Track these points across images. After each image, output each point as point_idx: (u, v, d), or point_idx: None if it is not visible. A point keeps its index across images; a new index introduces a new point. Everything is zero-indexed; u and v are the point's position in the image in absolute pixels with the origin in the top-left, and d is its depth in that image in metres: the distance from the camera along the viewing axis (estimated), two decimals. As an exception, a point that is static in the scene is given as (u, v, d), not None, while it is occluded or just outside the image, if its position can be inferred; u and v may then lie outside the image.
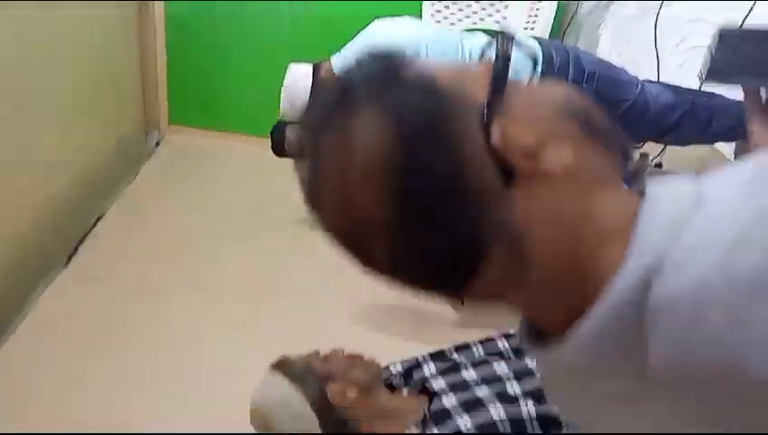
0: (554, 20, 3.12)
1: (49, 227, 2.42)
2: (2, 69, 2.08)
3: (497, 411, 1.16)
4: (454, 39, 1.80)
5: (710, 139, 2.05)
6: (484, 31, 2.10)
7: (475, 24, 3.16)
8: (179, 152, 3.45)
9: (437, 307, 2.34)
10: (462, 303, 0.53)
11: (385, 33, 1.85)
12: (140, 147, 3.47)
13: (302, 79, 1.99)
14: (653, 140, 2.07)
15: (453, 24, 3.14)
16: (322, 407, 1.20)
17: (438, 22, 3.17)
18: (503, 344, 1.32)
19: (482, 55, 0.62)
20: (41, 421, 1.65)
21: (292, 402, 1.19)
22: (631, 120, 1.84)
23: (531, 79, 1.70)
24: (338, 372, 1.23)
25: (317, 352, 1.30)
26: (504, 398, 1.19)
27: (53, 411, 1.70)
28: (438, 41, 1.76)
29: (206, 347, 1.97)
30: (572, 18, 3.15)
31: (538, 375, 1.19)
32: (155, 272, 2.34)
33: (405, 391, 1.32)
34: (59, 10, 2.46)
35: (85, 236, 2.55)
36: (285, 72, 2.14)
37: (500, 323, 1.38)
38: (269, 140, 2.65)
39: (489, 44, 0.59)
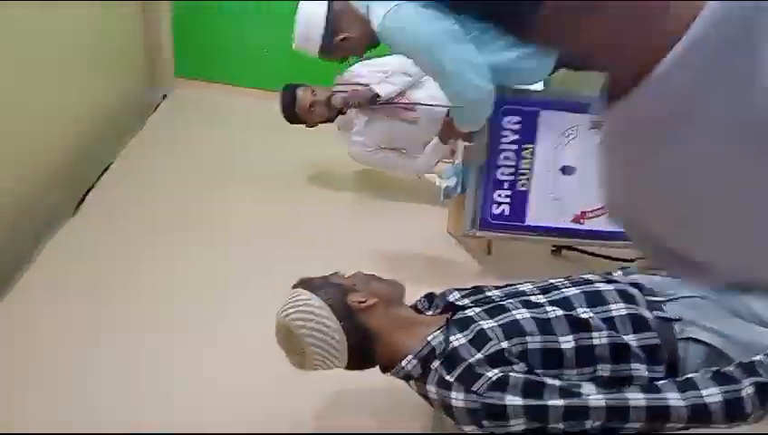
0: None
1: (56, 177, 2.40)
2: (6, 24, 2.04)
3: (520, 313, 1.17)
4: None
5: None
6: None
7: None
8: (185, 105, 3.40)
9: (457, 256, 2.34)
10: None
11: None
12: (146, 99, 3.43)
13: (315, 14, 1.96)
14: None
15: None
16: (344, 314, 1.23)
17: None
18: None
19: None
20: (44, 366, 1.65)
21: (314, 312, 1.23)
22: None
23: None
24: (359, 283, 1.29)
25: (337, 272, 1.34)
26: (529, 305, 1.20)
27: (59, 355, 1.70)
28: None
29: (216, 290, 1.96)
30: None
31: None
32: (161, 220, 2.32)
33: (429, 313, 1.34)
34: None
35: (93, 185, 2.53)
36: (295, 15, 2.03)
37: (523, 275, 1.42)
38: (277, 101, 2.62)
39: None
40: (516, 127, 1.94)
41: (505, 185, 1.96)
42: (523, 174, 1.96)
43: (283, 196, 2.63)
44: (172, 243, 2.21)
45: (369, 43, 1.98)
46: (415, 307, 1.36)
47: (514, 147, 1.95)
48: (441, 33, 1.66)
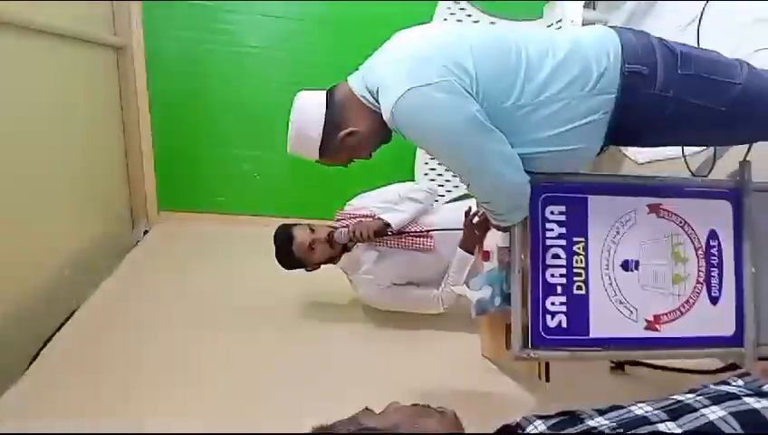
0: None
1: (8, 331, 2.01)
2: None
3: None
4: (505, 37, 1.45)
5: None
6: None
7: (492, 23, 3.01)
8: (169, 238, 3.07)
9: (501, 385, 1.92)
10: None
11: (418, 36, 1.46)
12: (127, 237, 3.11)
13: (313, 106, 1.55)
14: (761, 138, 1.65)
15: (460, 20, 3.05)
16: None
17: (446, 19, 3.05)
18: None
19: None
20: None
21: None
22: (744, 111, 1.46)
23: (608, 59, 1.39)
24: (404, 422, 0.91)
25: (366, 409, 0.96)
26: None
27: None
28: (485, 40, 1.43)
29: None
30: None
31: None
32: (133, 361, 1.93)
33: None
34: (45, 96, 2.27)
35: (51, 336, 2.12)
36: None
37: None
38: (273, 242, 2.29)
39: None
40: (561, 218, 1.59)
41: (558, 289, 1.57)
42: (578, 274, 1.59)
43: (284, 334, 2.23)
44: (151, 399, 1.77)
45: (380, 139, 1.59)
46: None
47: (563, 242, 1.59)
48: (465, 118, 1.35)
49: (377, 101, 1.46)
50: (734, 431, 0.78)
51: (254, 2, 3.15)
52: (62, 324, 2.18)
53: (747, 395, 0.84)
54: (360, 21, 3.09)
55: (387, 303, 2.32)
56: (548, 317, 1.57)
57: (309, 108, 1.55)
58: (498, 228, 1.63)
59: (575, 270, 1.59)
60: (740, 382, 1.03)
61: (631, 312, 1.61)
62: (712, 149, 2.43)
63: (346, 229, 2.23)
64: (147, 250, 2.92)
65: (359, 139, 1.54)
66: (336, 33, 3.17)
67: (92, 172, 2.78)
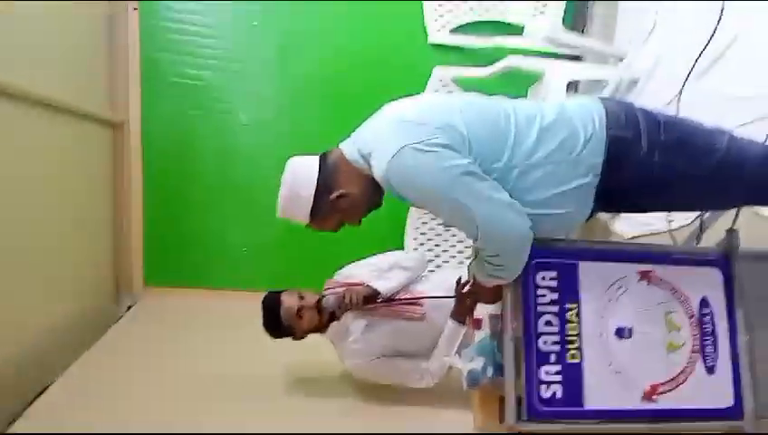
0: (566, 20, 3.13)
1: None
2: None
3: None
4: (494, 103, 1.50)
5: None
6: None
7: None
8: (153, 313, 3.01)
9: None
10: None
11: (410, 103, 1.48)
12: (111, 312, 3.04)
13: (306, 168, 1.57)
14: (752, 204, 1.67)
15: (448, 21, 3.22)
16: None
17: (436, 20, 3.28)
18: None
19: None
20: None
21: None
22: (726, 176, 1.49)
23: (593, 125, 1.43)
24: None
25: None
26: None
27: None
28: (475, 106, 1.47)
29: None
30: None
31: None
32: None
33: None
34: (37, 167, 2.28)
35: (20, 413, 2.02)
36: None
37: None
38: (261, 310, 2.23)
39: None
40: (553, 284, 1.58)
41: (552, 358, 1.53)
42: (572, 342, 1.55)
43: (268, 409, 2.14)
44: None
45: (371, 203, 1.60)
46: None
47: (555, 308, 1.56)
48: (462, 169, 1.35)
49: (369, 165, 1.47)
50: None
51: (246, 81, 3.25)
52: (36, 398, 2.08)
53: None
54: (353, 97, 3.19)
55: (375, 375, 2.24)
56: (542, 387, 1.52)
57: (301, 170, 1.57)
58: (490, 297, 1.61)
59: (568, 338, 1.55)
60: None
61: (627, 382, 1.56)
62: (698, 222, 2.46)
63: (334, 296, 2.19)
64: (129, 325, 2.85)
65: (350, 202, 1.55)
66: (328, 109, 3.26)
67: (79, 245, 2.76)
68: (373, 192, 1.53)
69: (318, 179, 1.54)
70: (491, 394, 1.78)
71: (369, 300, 2.20)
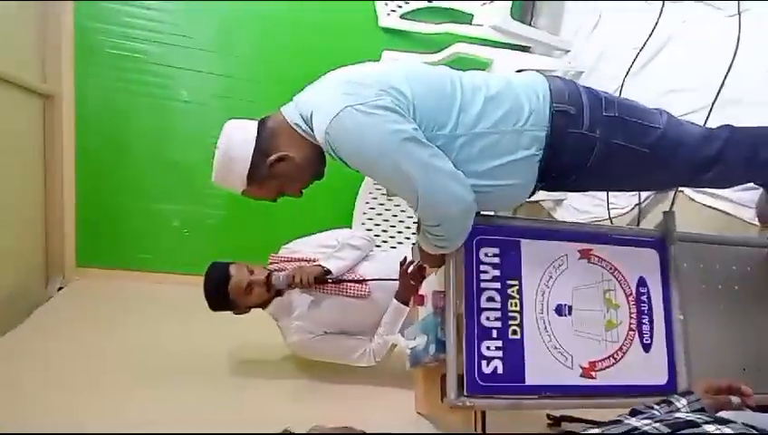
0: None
1: None
2: None
3: None
4: (440, 69, 1.48)
5: (758, 173, 1.70)
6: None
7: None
8: (82, 296, 2.86)
9: None
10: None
11: (353, 67, 1.44)
12: (39, 293, 2.87)
13: (243, 130, 1.46)
14: (690, 184, 1.71)
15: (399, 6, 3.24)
16: None
17: (386, 4, 3.27)
18: None
19: None
20: None
21: None
22: (665, 154, 1.52)
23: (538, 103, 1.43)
24: None
25: (286, 431, 0.91)
26: None
27: None
28: (421, 70, 1.43)
29: None
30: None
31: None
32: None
33: None
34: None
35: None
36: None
37: None
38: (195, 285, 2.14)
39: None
40: (496, 260, 1.58)
41: (494, 333, 1.53)
42: (513, 318, 1.56)
43: (206, 393, 2.06)
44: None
45: (312, 171, 1.51)
46: None
47: (497, 284, 1.56)
48: (405, 135, 1.32)
49: (311, 129, 1.42)
50: None
51: (187, 57, 3.14)
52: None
53: (707, 422, 0.80)
54: (299, 79, 3.12)
55: (317, 352, 2.20)
56: (483, 363, 1.52)
57: (237, 133, 1.48)
58: (434, 262, 1.59)
59: (510, 314, 1.56)
60: (683, 401, 1.01)
61: (566, 358, 1.58)
62: (636, 210, 2.53)
63: (285, 274, 2.13)
64: (57, 307, 2.70)
65: (290, 167, 1.46)
66: (273, 90, 3.18)
67: (6, 222, 2.59)
68: (315, 159, 1.47)
69: (256, 141, 1.45)
70: (433, 376, 1.77)
71: (320, 279, 2.16)
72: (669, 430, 0.79)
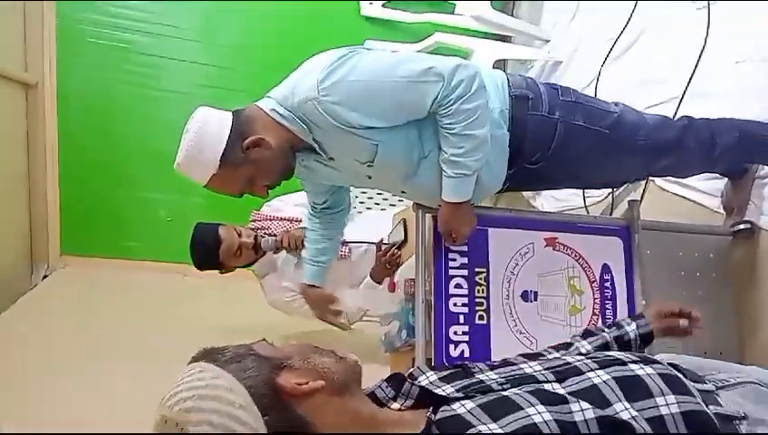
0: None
1: None
2: None
3: (537, 411, 0.76)
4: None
5: (715, 162, 1.73)
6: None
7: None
8: (67, 284, 2.90)
9: None
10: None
11: (333, 52, 1.36)
12: (24, 281, 2.91)
13: (217, 117, 1.38)
14: (651, 171, 1.74)
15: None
16: (271, 401, 0.76)
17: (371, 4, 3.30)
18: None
19: None
20: None
21: (220, 398, 0.74)
22: (625, 133, 1.56)
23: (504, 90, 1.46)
24: (296, 357, 0.83)
25: (264, 341, 0.87)
26: (544, 397, 0.79)
27: None
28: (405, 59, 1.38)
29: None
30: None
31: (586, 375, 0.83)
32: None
33: (395, 405, 0.87)
34: None
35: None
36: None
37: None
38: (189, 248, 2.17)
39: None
40: (463, 249, 1.63)
41: (461, 319, 1.59)
42: (480, 304, 1.62)
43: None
44: None
45: (285, 163, 1.42)
46: (374, 396, 0.88)
47: (465, 272, 1.62)
48: (400, 58, 1.33)
49: (290, 110, 1.37)
50: (612, 393, 0.80)
51: (171, 46, 3.16)
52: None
53: (633, 362, 0.86)
54: (282, 67, 3.15)
55: (296, 310, 2.26)
56: (451, 347, 1.58)
57: (212, 116, 1.40)
58: (465, 225, 1.53)
59: (477, 299, 1.62)
60: (633, 326, 1.08)
61: (531, 342, 1.64)
62: (610, 198, 2.59)
63: (274, 238, 2.17)
64: (42, 295, 2.74)
65: (265, 153, 1.38)
66: (255, 79, 3.20)
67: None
68: (288, 150, 1.43)
69: (232, 124, 1.38)
70: (404, 360, 1.83)
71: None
72: (597, 366, 0.84)
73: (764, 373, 0.92)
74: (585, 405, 0.77)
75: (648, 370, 0.83)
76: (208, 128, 1.37)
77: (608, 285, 1.75)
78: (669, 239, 1.89)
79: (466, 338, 1.59)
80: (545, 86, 1.54)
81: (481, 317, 1.61)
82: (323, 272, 1.93)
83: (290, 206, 2.38)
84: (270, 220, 2.30)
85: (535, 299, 1.67)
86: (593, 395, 0.80)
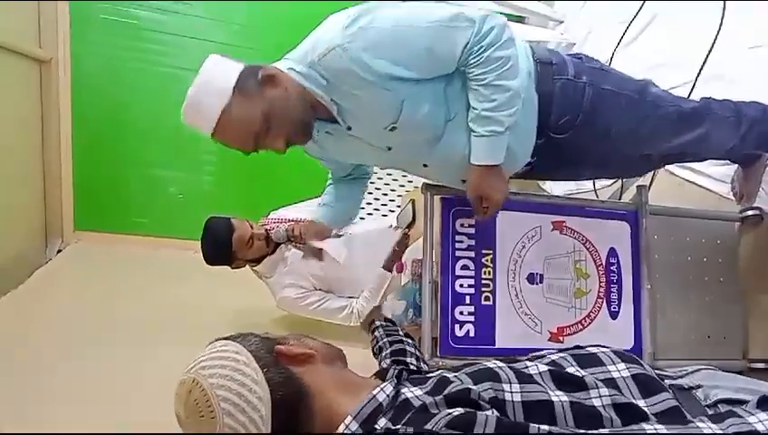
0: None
1: None
2: None
3: (494, 363, 0.90)
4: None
5: (744, 136, 1.64)
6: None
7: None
8: (81, 259, 2.95)
9: None
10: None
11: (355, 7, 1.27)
12: (38, 256, 2.96)
13: (230, 61, 1.32)
14: (683, 150, 1.68)
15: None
16: (270, 362, 0.91)
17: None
18: None
19: None
20: None
21: (229, 358, 0.90)
22: (654, 98, 1.52)
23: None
24: (293, 337, 1.00)
25: (267, 333, 1.02)
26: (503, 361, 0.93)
27: None
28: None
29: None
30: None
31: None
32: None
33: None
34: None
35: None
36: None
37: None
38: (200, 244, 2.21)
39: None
40: (471, 231, 1.65)
41: (467, 299, 1.62)
42: (486, 285, 1.64)
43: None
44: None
45: (302, 116, 1.32)
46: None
47: (472, 253, 1.64)
48: (427, 4, 1.26)
49: (309, 69, 1.31)
50: (569, 364, 0.90)
51: (185, 24, 3.16)
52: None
53: (591, 345, 0.96)
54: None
55: (305, 309, 2.30)
56: (456, 327, 1.61)
57: (224, 62, 1.33)
58: (499, 191, 1.43)
59: (483, 281, 1.64)
60: None
61: (536, 323, 1.66)
62: (619, 182, 2.59)
63: (284, 227, 2.20)
64: (56, 269, 2.79)
65: (282, 93, 1.30)
66: (268, 60, 3.20)
67: (5, 187, 2.66)
68: (306, 104, 1.33)
69: (243, 68, 1.32)
70: (413, 335, 1.86)
71: (322, 235, 2.23)
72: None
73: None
74: (539, 364, 0.90)
75: (603, 348, 0.92)
76: (223, 63, 1.32)
77: (614, 269, 1.76)
78: (677, 224, 1.89)
79: (472, 318, 1.62)
80: (569, 54, 1.52)
81: (487, 298, 1.63)
82: (330, 215, 1.87)
83: (296, 211, 2.42)
84: (278, 223, 2.33)
85: (541, 282, 1.69)
86: (548, 363, 0.91)
